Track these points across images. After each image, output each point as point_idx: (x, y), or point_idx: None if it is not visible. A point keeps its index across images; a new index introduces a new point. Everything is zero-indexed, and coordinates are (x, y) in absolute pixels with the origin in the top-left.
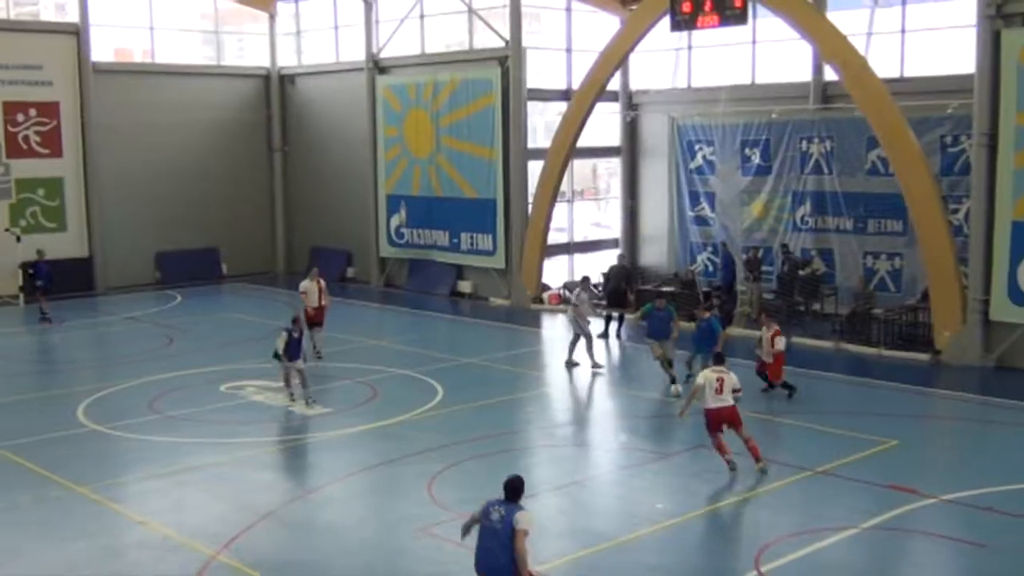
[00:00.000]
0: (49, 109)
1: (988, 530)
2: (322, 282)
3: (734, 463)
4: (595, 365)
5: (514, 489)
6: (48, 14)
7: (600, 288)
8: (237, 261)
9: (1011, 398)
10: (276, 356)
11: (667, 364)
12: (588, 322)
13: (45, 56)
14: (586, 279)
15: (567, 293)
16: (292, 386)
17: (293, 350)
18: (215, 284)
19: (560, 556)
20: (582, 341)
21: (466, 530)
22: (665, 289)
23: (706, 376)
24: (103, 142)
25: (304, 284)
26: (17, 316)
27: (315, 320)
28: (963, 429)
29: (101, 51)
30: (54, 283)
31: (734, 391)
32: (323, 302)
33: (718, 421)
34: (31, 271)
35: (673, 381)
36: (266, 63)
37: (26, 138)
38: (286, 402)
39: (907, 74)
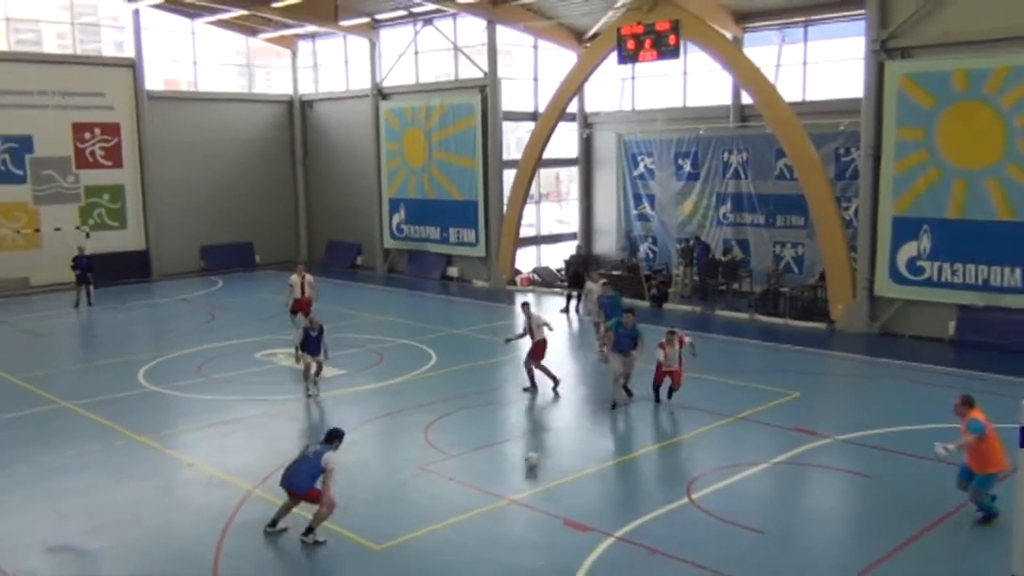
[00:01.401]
0: (111, 129)
1: (873, 463)
2: (307, 275)
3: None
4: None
5: (329, 436)
6: (109, 50)
7: (562, 272)
8: (268, 252)
9: (892, 358)
10: (297, 350)
11: (623, 382)
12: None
13: (107, 85)
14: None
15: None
16: (309, 378)
17: (310, 348)
18: (250, 271)
19: (532, 487)
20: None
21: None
22: (615, 272)
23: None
24: (156, 156)
25: (292, 278)
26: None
27: (301, 309)
28: (853, 383)
29: (153, 81)
30: (94, 273)
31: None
32: (307, 293)
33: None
34: (73, 264)
35: (613, 406)
36: (289, 91)
37: (92, 153)
38: (304, 388)
39: (808, 98)
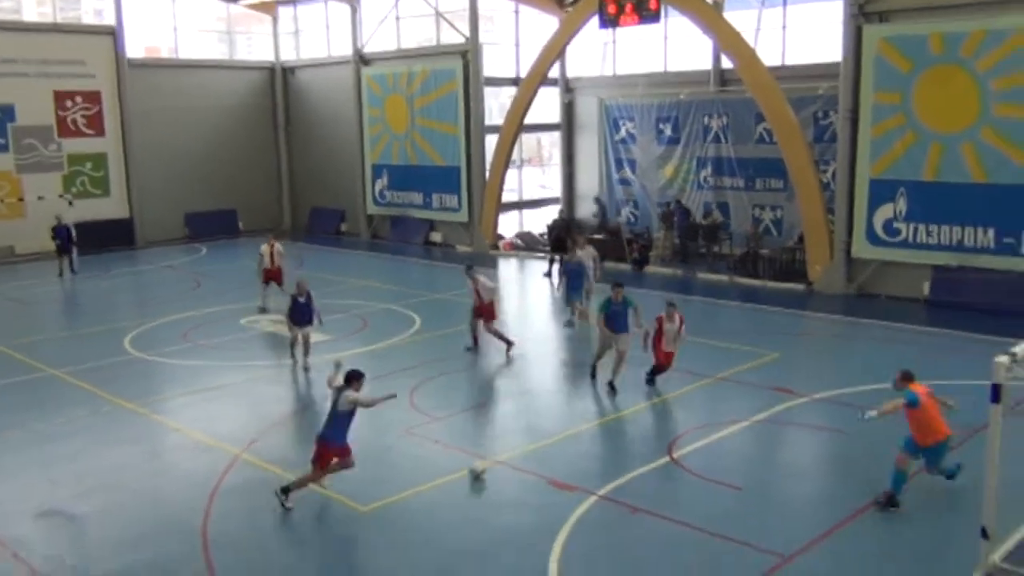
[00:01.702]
0: (92, 97)
1: (847, 421)
2: (276, 244)
3: None
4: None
5: (346, 378)
6: (88, 18)
7: (545, 237)
8: (251, 219)
9: (868, 318)
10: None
11: (618, 361)
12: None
13: (87, 53)
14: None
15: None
16: (298, 348)
17: (297, 314)
18: (234, 238)
19: (515, 448)
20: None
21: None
22: (596, 236)
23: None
24: (138, 123)
25: (262, 247)
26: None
27: (272, 278)
28: (831, 343)
29: (134, 48)
30: (76, 242)
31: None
32: (276, 263)
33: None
34: (53, 234)
35: (611, 388)
36: (270, 57)
37: (74, 121)
38: (292, 361)
39: (787, 62)
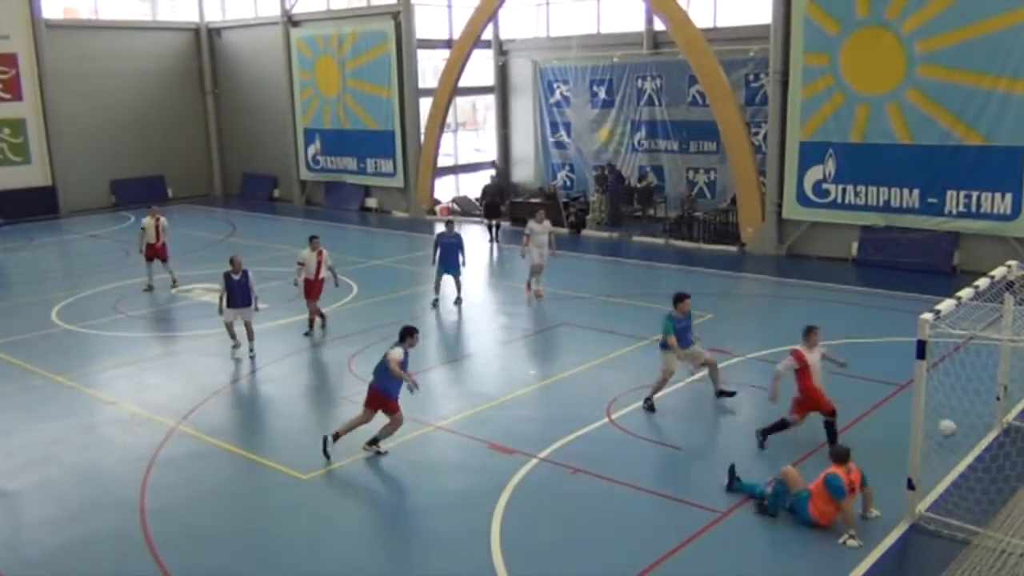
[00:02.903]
0: (7, 59)
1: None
2: (161, 219)
3: None
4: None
5: (401, 334)
6: None
7: (478, 202)
8: (180, 185)
9: (799, 278)
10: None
11: (713, 368)
12: (541, 254)
13: (0, 14)
14: (543, 209)
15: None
16: (234, 338)
17: (235, 295)
18: (162, 206)
19: (456, 413)
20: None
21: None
22: (533, 200)
23: None
24: (58, 87)
25: (144, 221)
26: None
27: (156, 256)
28: (763, 303)
29: (51, 8)
30: (10, 212)
31: None
32: (161, 238)
33: None
34: None
35: (651, 408)
36: (195, 18)
37: None
38: (233, 357)
39: (719, 24)
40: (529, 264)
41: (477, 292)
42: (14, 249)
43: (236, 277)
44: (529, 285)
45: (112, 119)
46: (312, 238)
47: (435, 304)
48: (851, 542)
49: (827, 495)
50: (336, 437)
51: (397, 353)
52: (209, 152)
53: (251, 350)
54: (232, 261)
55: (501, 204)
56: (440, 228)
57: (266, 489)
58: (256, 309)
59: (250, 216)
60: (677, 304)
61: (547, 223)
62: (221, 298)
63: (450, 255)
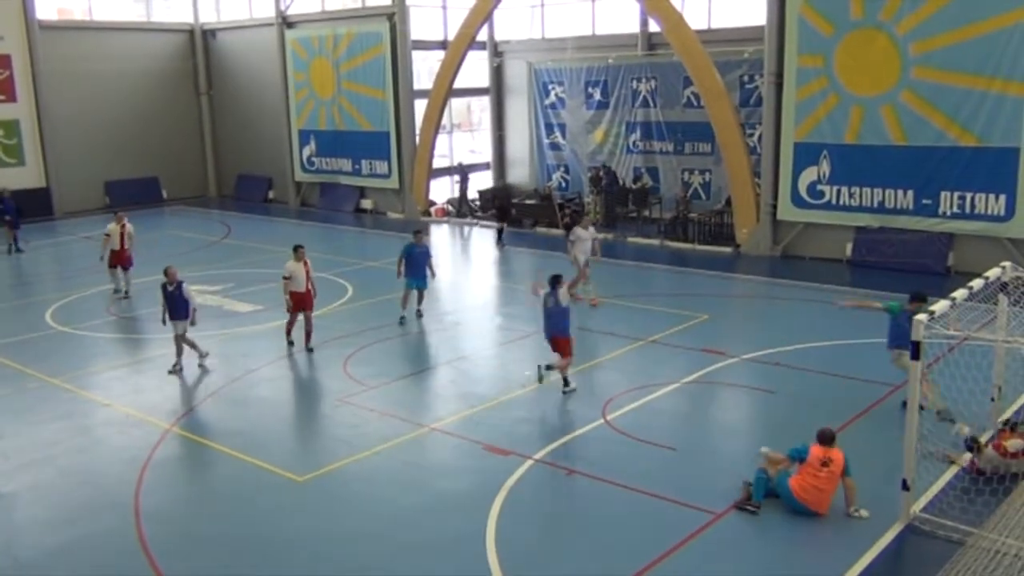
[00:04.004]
0: (1, 61)
1: (776, 380)
2: (127, 225)
3: None
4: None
5: (552, 281)
6: None
7: (476, 203)
8: (175, 187)
9: (793, 279)
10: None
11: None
12: (584, 258)
13: None
14: (581, 213)
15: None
16: (180, 353)
17: (172, 307)
18: (158, 207)
19: (452, 414)
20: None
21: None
22: (528, 202)
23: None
24: (53, 88)
25: (110, 226)
26: None
27: (120, 263)
28: (757, 304)
29: (44, 10)
30: (22, 216)
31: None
32: (126, 245)
33: None
34: (1, 207)
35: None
36: (190, 19)
37: None
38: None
39: (714, 25)
40: (576, 270)
41: (473, 291)
42: (7, 253)
43: (170, 288)
44: (576, 289)
45: (106, 120)
46: (296, 247)
47: (402, 321)
48: (863, 512)
49: (805, 470)
50: (549, 367)
51: (563, 294)
52: (204, 153)
53: (176, 365)
54: (166, 272)
55: (511, 207)
56: (408, 238)
57: (261, 491)
58: (192, 323)
59: (245, 217)
60: (915, 302)
61: (592, 229)
62: (163, 309)
63: (418, 267)
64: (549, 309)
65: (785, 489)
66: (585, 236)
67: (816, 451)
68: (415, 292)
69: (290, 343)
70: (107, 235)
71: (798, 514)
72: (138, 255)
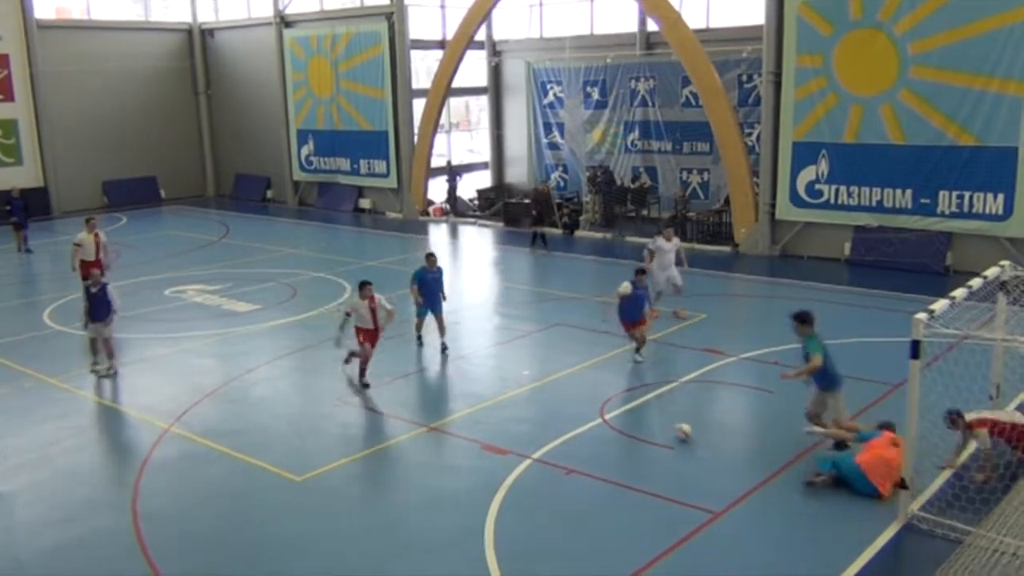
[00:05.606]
0: None
1: (774, 379)
2: (101, 234)
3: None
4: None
5: (638, 272)
6: None
7: (474, 202)
8: (173, 186)
9: (792, 278)
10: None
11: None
12: (669, 277)
13: None
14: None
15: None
16: (98, 353)
17: (96, 308)
18: (155, 206)
19: (452, 413)
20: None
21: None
22: (527, 201)
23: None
24: (51, 88)
25: (80, 236)
26: None
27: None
28: (756, 303)
29: (43, 9)
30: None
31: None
32: (100, 255)
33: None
34: (8, 207)
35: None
36: (188, 18)
37: None
38: (91, 370)
39: (712, 25)
40: (655, 288)
41: (470, 290)
42: (3, 251)
43: (94, 290)
44: (654, 309)
45: (104, 120)
46: (364, 284)
47: (420, 341)
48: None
49: (872, 448)
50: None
51: (624, 287)
52: (202, 153)
53: (108, 367)
54: (90, 274)
55: (550, 214)
56: (421, 263)
57: (259, 491)
58: (107, 324)
59: (243, 217)
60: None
61: (676, 240)
62: (86, 311)
63: (432, 293)
64: (635, 295)
65: (851, 467)
66: (667, 248)
67: (887, 434)
68: (430, 318)
69: (365, 385)
70: (77, 245)
71: (797, 510)
72: (137, 256)
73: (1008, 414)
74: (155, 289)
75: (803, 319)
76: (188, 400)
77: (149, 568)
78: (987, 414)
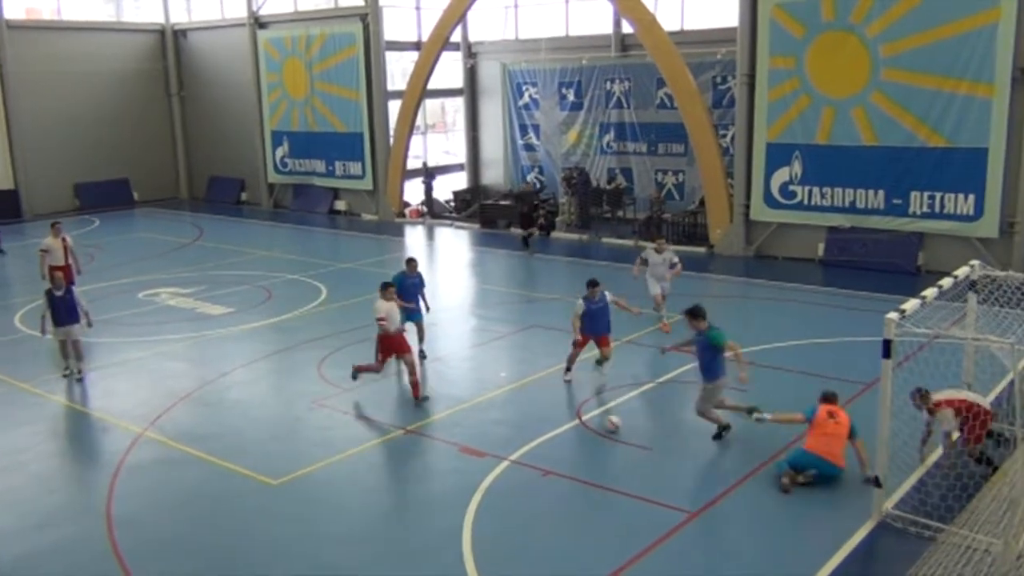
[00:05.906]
0: None
1: (750, 379)
2: (68, 239)
3: None
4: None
5: (590, 283)
6: None
7: (451, 204)
8: (146, 189)
9: (766, 279)
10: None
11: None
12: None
13: None
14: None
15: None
16: (68, 358)
17: (61, 313)
18: (127, 209)
19: (428, 416)
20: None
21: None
22: (503, 203)
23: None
24: (21, 89)
25: (46, 241)
26: None
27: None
28: (732, 304)
29: (12, 9)
30: None
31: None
32: (69, 260)
33: None
34: None
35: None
36: (160, 19)
37: None
38: (63, 375)
39: (686, 27)
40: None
41: (450, 293)
42: None
43: (59, 293)
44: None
45: (76, 121)
46: (386, 286)
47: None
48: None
49: (814, 430)
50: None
51: (577, 307)
52: (175, 155)
53: (79, 371)
54: (53, 278)
55: (537, 214)
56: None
57: (235, 495)
58: (89, 325)
59: (217, 219)
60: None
61: (668, 253)
62: (43, 317)
63: (412, 298)
64: (598, 307)
65: (801, 453)
66: (657, 261)
67: (822, 408)
68: (411, 326)
69: (424, 396)
70: (44, 251)
71: (771, 508)
72: (109, 259)
73: (974, 395)
74: (128, 292)
75: (695, 313)
76: (162, 404)
77: (124, 574)
78: (953, 393)
